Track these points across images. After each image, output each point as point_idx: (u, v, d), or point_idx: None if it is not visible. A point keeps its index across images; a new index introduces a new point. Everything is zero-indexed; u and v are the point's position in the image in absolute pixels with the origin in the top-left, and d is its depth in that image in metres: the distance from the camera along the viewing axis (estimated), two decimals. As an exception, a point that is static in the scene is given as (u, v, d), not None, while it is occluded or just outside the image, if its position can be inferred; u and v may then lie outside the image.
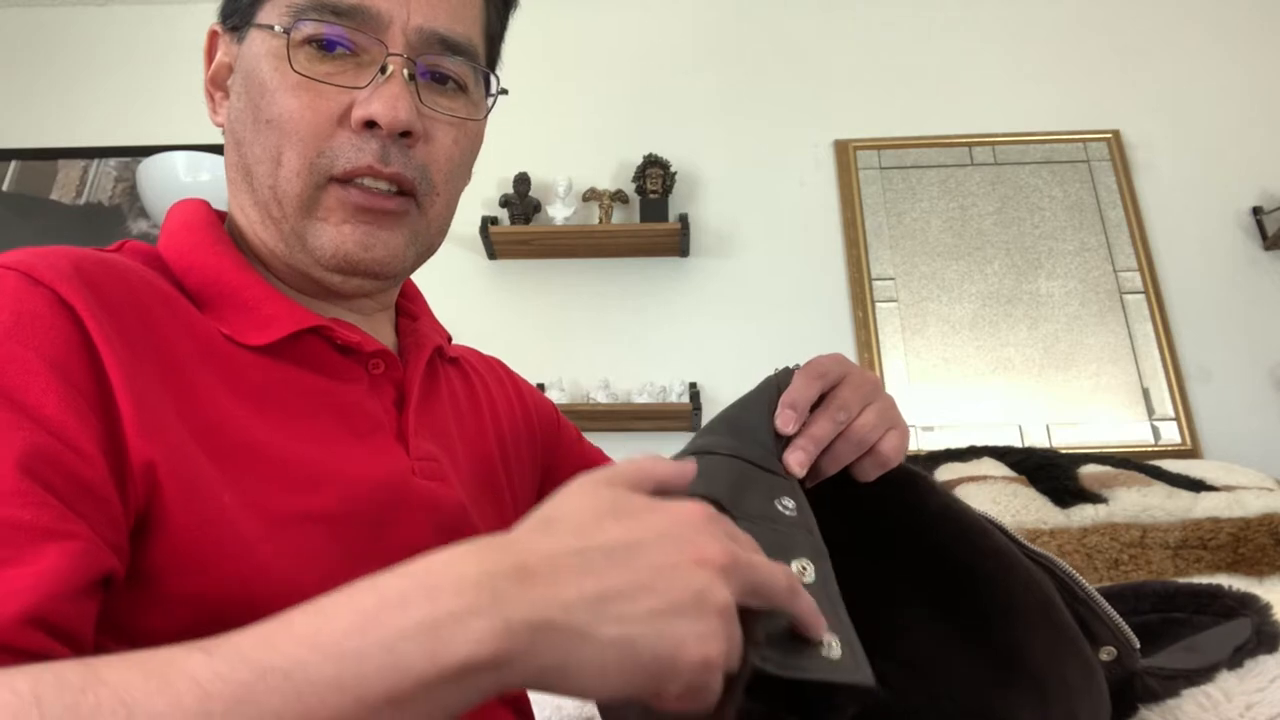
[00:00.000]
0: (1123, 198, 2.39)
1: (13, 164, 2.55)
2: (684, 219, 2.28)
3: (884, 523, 0.57)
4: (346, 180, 0.57)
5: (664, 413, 2.15)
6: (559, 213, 2.35)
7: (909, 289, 2.33)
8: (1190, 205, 2.38)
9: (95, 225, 2.47)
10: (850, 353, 2.26)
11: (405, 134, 0.57)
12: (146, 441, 0.44)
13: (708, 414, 2.17)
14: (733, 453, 0.49)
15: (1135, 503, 1.57)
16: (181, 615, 0.43)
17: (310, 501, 0.50)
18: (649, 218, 2.34)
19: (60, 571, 0.37)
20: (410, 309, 0.71)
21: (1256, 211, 2.34)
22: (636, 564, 0.34)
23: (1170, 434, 2.15)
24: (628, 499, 0.37)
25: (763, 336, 2.28)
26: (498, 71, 0.67)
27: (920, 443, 2.15)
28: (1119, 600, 0.60)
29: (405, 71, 0.57)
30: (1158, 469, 1.70)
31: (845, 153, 2.49)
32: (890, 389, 2.17)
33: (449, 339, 0.73)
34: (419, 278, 0.71)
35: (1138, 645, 0.55)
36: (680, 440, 2.17)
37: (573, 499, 0.37)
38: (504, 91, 0.67)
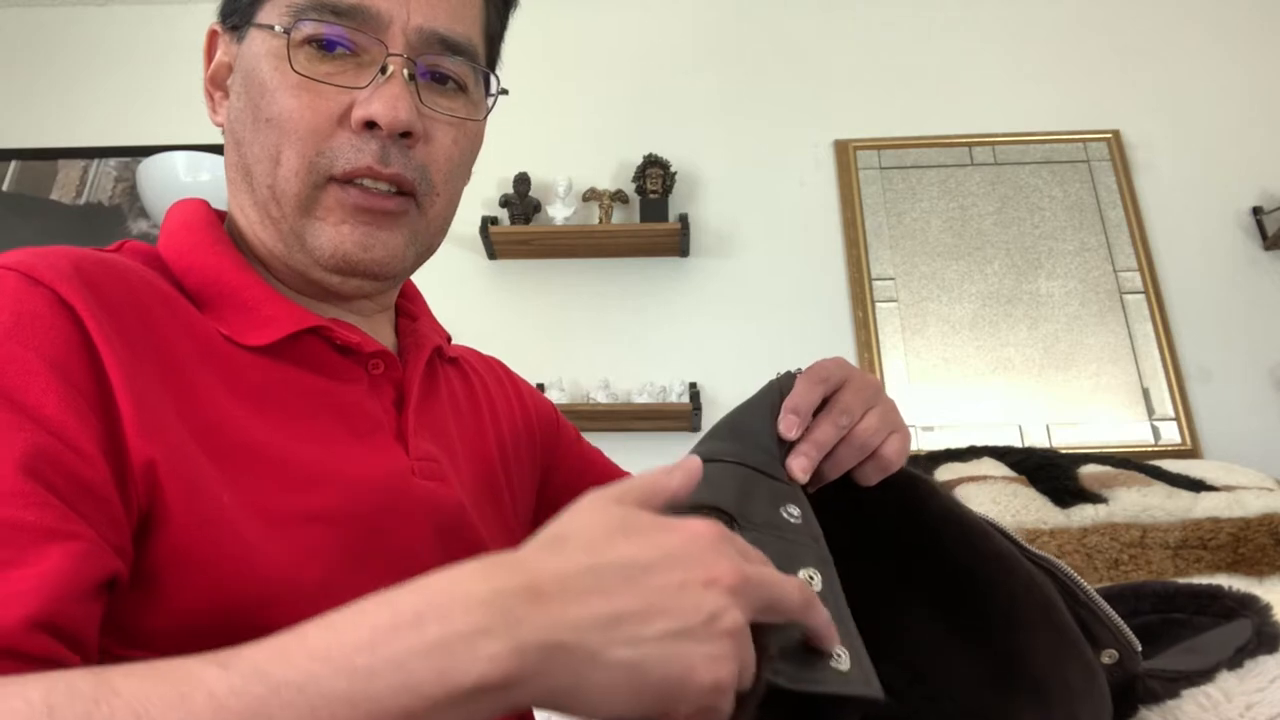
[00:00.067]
0: (1123, 198, 2.39)
1: (13, 164, 2.55)
2: (684, 219, 2.28)
3: (884, 525, 0.57)
4: (346, 180, 0.57)
5: (664, 413, 2.15)
6: (559, 213, 2.35)
7: (909, 289, 2.33)
8: (1190, 205, 2.38)
9: (95, 225, 2.47)
10: (850, 353, 2.26)
11: (405, 134, 0.57)
12: (147, 441, 0.44)
13: (708, 414, 2.17)
14: (737, 459, 0.49)
15: (1135, 503, 1.57)
16: (182, 615, 0.43)
17: (310, 501, 0.50)
18: (649, 218, 2.34)
19: (64, 573, 0.37)
20: (410, 309, 0.71)
21: (1256, 211, 2.34)
22: (647, 585, 0.34)
23: (1170, 434, 2.15)
24: (638, 517, 0.37)
25: (763, 336, 2.28)
26: (498, 71, 0.67)
27: (920, 443, 2.15)
28: (1119, 601, 0.60)
29: (405, 71, 0.57)
30: (1158, 469, 1.70)
31: (845, 153, 2.49)
32: (890, 389, 2.18)
33: (449, 339, 0.73)
34: (419, 278, 0.71)
35: (1139, 648, 0.55)
36: (680, 440, 2.18)
37: (583, 516, 0.37)
38: (504, 92, 0.67)
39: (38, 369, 0.42)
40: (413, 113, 0.57)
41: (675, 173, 2.39)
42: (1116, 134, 2.45)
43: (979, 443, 1.90)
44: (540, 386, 2.13)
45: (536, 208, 2.39)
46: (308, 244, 0.57)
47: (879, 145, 2.49)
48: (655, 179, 2.36)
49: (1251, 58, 2.53)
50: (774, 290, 2.35)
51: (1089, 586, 0.55)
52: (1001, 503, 1.59)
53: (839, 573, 0.43)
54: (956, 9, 2.63)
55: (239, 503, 0.47)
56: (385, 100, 0.55)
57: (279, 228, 0.58)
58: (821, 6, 2.66)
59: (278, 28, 0.57)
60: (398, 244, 0.59)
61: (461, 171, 0.64)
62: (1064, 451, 1.90)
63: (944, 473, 1.73)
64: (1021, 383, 2.22)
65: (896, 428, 0.56)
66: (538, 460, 0.77)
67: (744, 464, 0.49)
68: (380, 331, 0.65)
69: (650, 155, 2.38)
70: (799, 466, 0.51)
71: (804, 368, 0.58)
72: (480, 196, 2.41)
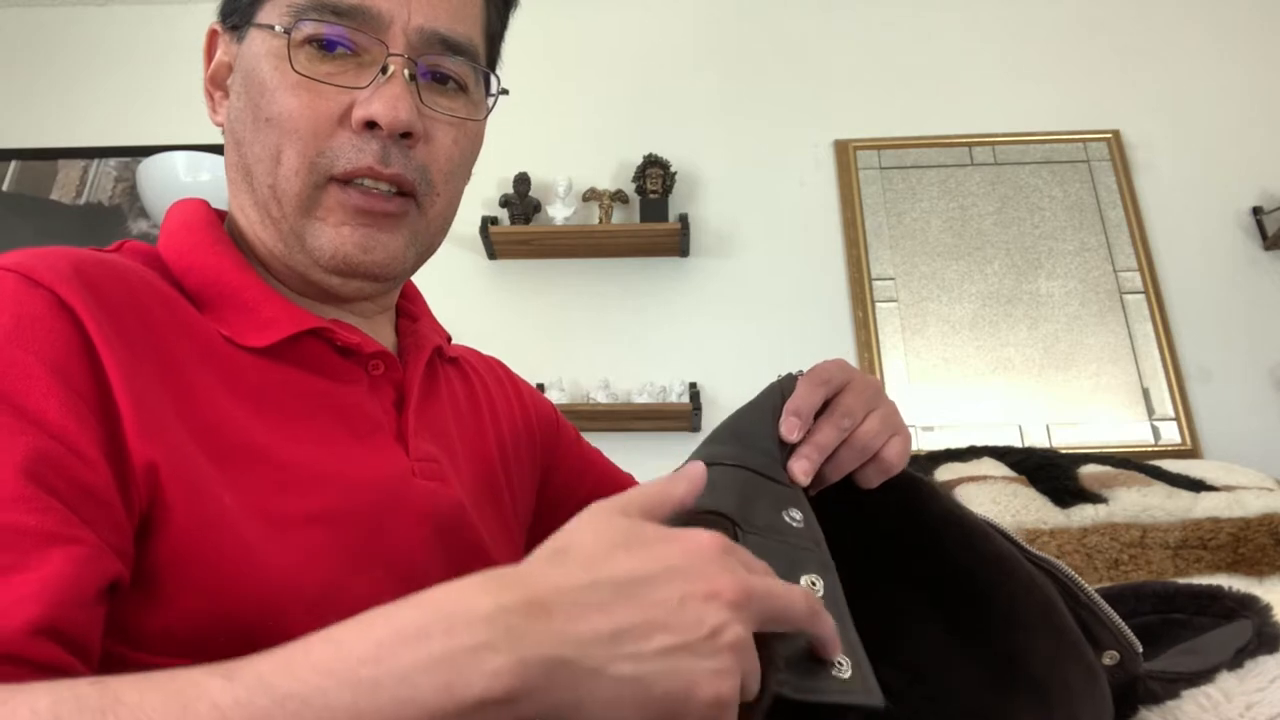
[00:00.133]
0: (1123, 198, 2.39)
1: (13, 164, 2.55)
2: (684, 219, 2.28)
3: (885, 527, 0.57)
4: (346, 180, 0.57)
5: (664, 413, 2.15)
6: (559, 213, 2.35)
7: (909, 289, 2.33)
8: (1190, 205, 2.38)
9: (95, 225, 2.47)
10: (850, 353, 2.26)
11: (406, 134, 0.57)
12: (147, 443, 0.44)
13: (708, 414, 2.17)
14: (738, 462, 0.49)
15: (1135, 503, 1.57)
16: (184, 617, 0.43)
17: (310, 502, 0.50)
18: (649, 218, 2.34)
19: (66, 577, 0.37)
20: (410, 309, 0.71)
21: (1256, 211, 2.34)
22: (649, 599, 0.34)
23: (1170, 434, 2.15)
24: (641, 529, 0.37)
25: (763, 336, 2.28)
26: (498, 71, 0.67)
27: (920, 443, 2.15)
28: (1119, 602, 0.60)
29: (406, 72, 0.57)
30: (1158, 469, 1.70)
31: (845, 153, 2.49)
32: (890, 389, 2.18)
33: (449, 339, 0.73)
34: (419, 278, 0.71)
35: (1140, 649, 0.55)
36: (680, 440, 2.18)
37: (586, 529, 0.37)
38: (504, 92, 0.66)
39: (38, 372, 0.42)
40: (413, 113, 0.57)
41: (675, 173, 2.39)
42: (1116, 134, 2.45)
43: (979, 443, 1.90)
44: (540, 386, 2.13)
45: (536, 208, 2.39)
46: (308, 244, 0.57)
47: (879, 145, 2.49)
48: (655, 179, 2.36)
49: (1251, 58, 2.53)
50: (774, 290, 2.35)
51: (1089, 587, 0.55)
52: (1001, 503, 1.59)
53: (841, 574, 0.43)
54: (956, 9, 2.63)
55: (239, 504, 0.47)
56: (386, 100, 0.55)
57: (279, 228, 0.58)
58: (821, 6, 2.66)
59: (278, 28, 0.57)
60: (398, 246, 0.59)
61: (462, 171, 0.64)
62: (1064, 451, 1.90)
63: (944, 473, 1.73)
64: (1021, 383, 2.22)
65: (898, 430, 0.56)
66: (538, 460, 0.77)
67: (745, 467, 0.49)
68: (381, 332, 0.65)
69: (650, 155, 2.38)
70: (801, 469, 0.51)
71: (805, 370, 0.58)
72: (480, 196, 2.41)
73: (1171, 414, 2.16)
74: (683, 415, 2.15)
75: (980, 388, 2.23)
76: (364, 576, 0.50)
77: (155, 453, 0.44)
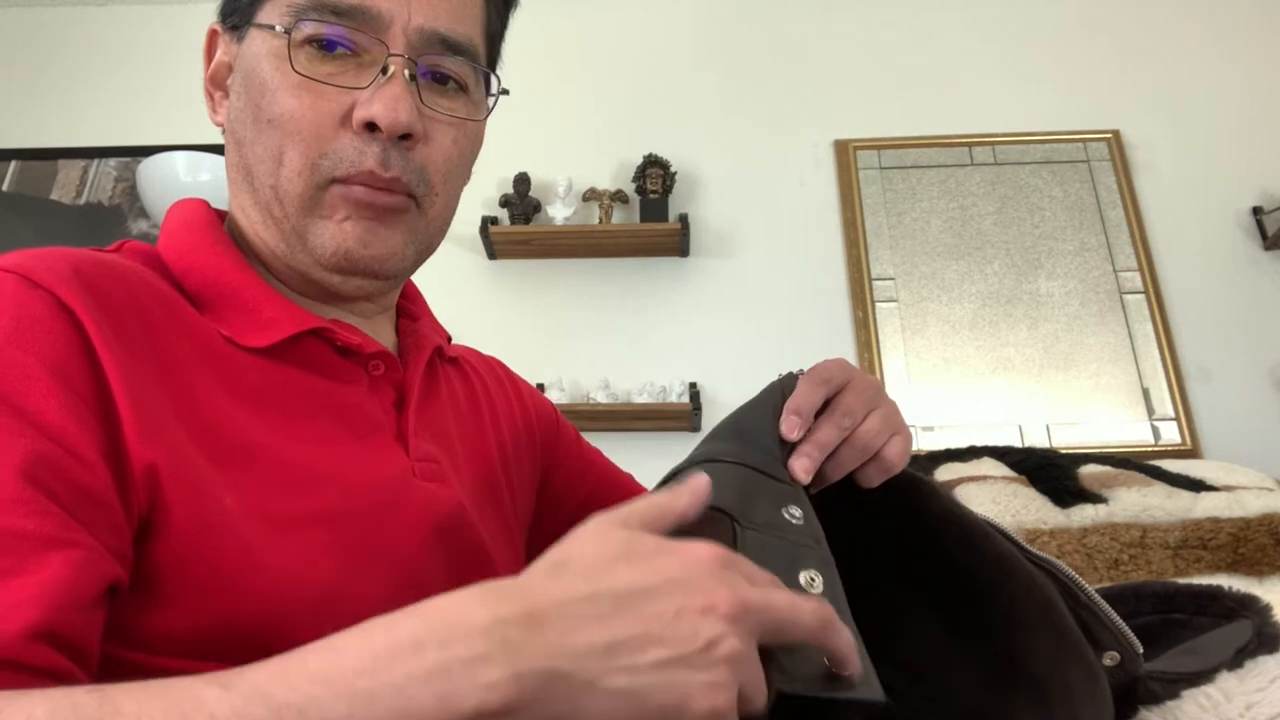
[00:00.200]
0: (1123, 198, 2.39)
1: (13, 164, 2.55)
2: (684, 219, 2.28)
3: (885, 526, 0.57)
4: (347, 182, 0.56)
5: (664, 413, 2.15)
6: (559, 213, 2.35)
7: (909, 289, 2.33)
8: (1190, 205, 2.38)
9: (95, 225, 2.47)
10: (850, 353, 2.26)
11: (405, 135, 0.57)
12: (147, 445, 0.44)
13: (708, 414, 2.17)
14: (738, 460, 0.49)
15: (1135, 503, 1.56)
16: (184, 618, 0.43)
17: (310, 503, 0.50)
18: (649, 218, 2.34)
19: (64, 581, 0.37)
20: (411, 309, 0.71)
21: (1256, 211, 2.34)
22: (645, 612, 0.34)
23: (1170, 434, 2.15)
24: (640, 541, 0.37)
25: (763, 336, 2.28)
26: (498, 71, 0.67)
27: (920, 443, 2.15)
28: (1119, 602, 0.59)
29: (406, 72, 0.57)
30: (1158, 469, 1.70)
31: (845, 153, 2.49)
32: (890, 389, 2.18)
33: (449, 339, 0.73)
34: (419, 278, 0.71)
35: (1140, 650, 0.55)
36: (680, 440, 2.18)
37: (586, 541, 0.37)
38: (505, 92, 0.66)
39: (38, 374, 0.42)
40: (413, 114, 0.56)
41: (675, 173, 2.39)
42: (1116, 134, 2.45)
43: (979, 443, 1.90)
44: (540, 386, 2.13)
45: (536, 208, 2.39)
46: (309, 243, 0.57)
47: (879, 145, 2.49)
48: (655, 179, 2.36)
49: (1251, 58, 2.53)
50: (774, 290, 2.35)
51: (1090, 588, 0.55)
52: (1001, 503, 1.59)
53: (841, 573, 0.43)
54: (956, 9, 2.63)
55: (240, 505, 0.47)
56: (386, 101, 0.55)
57: (281, 227, 0.58)
58: (821, 6, 2.66)
59: (278, 28, 0.57)
60: (397, 242, 0.59)
61: (461, 172, 0.64)
62: (1064, 451, 1.90)
63: (944, 473, 1.73)
64: (1021, 383, 2.22)
65: (898, 429, 0.56)
66: (538, 460, 0.77)
67: (745, 465, 0.49)
68: (381, 332, 0.65)
69: (650, 155, 2.38)
70: (801, 467, 0.51)
71: (806, 369, 0.58)
72: (480, 196, 2.41)
73: (1171, 414, 2.16)
74: (683, 415, 2.15)
75: (980, 388, 2.23)
76: (364, 577, 0.50)
77: (155, 454, 0.44)
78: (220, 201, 0.63)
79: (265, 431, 0.51)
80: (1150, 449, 2.12)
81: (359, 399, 0.58)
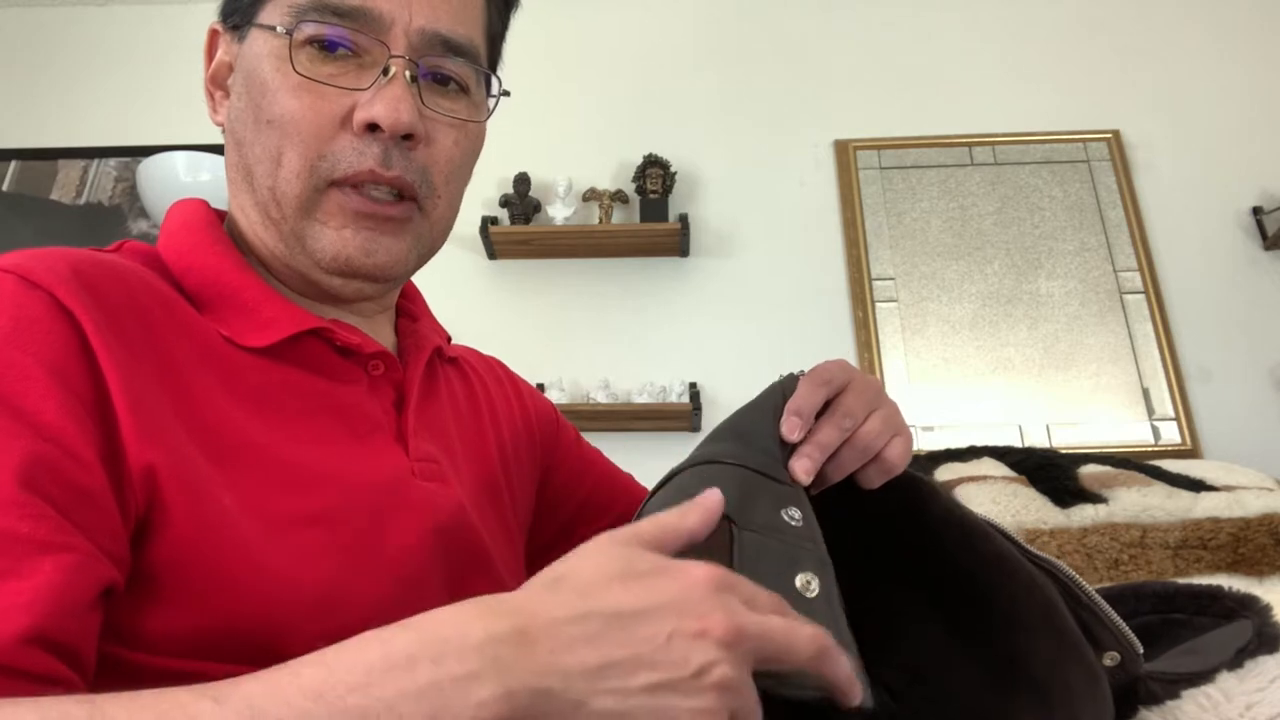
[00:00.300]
0: (1123, 198, 2.39)
1: (13, 164, 2.55)
2: (684, 219, 2.28)
3: (886, 527, 0.57)
4: (347, 184, 0.56)
5: (664, 413, 2.14)
6: (559, 213, 2.35)
7: (909, 289, 2.33)
8: (1190, 205, 2.38)
9: (95, 225, 2.47)
10: (850, 353, 2.26)
11: (407, 136, 0.57)
12: (146, 445, 0.44)
13: (708, 414, 2.17)
14: (738, 461, 0.49)
15: (1135, 503, 1.56)
16: (183, 618, 0.43)
17: (309, 503, 0.50)
18: (649, 218, 2.34)
19: (58, 586, 0.37)
20: (410, 309, 0.71)
21: (1256, 211, 2.34)
22: (637, 634, 0.34)
23: (1170, 434, 2.15)
24: (640, 560, 0.37)
25: (763, 336, 2.28)
26: (499, 72, 0.67)
27: (920, 443, 2.15)
28: (1119, 602, 0.59)
29: (407, 73, 0.57)
30: (1158, 469, 1.70)
31: (845, 153, 2.49)
32: (890, 389, 2.18)
33: (449, 339, 0.73)
34: (419, 278, 0.71)
35: (1141, 650, 0.55)
36: (680, 440, 2.18)
37: (586, 558, 0.37)
38: (506, 93, 0.66)
39: (36, 374, 0.42)
40: (414, 115, 0.56)
41: (675, 173, 2.39)
42: (1116, 134, 2.45)
43: (979, 443, 1.90)
44: (540, 386, 2.13)
45: (536, 208, 2.39)
46: (308, 246, 0.57)
47: (879, 145, 2.49)
48: (655, 179, 2.36)
49: (1251, 58, 2.53)
50: (774, 290, 2.35)
51: (1090, 588, 0.55)
52: (1001, 503, 1.59)
53: (841, 574, 0.43)
54: (956, 9, 2.63)
55: (239, 505, 0.46)
56: (387, 102, 0.55)
57: (280, 229, 0.58)
58: (821, 6, 2.66)
59: (279, 28, 0.56)
60: (400, 249, 0.59)
61: (463, 173, 0.63)
62: (1064, 451, 1.90)
63: (944, 473, 1.73)
64: (1021, 383, 2.22)
65: (899, 430, 0.55)
66: (537, 460, 0.77)
67: (745, 466, 0.49)
68: (380, 332, 0.65)
69: (650, 155, 2.38)
70: (802, 468, 0.51)
71: (806, 370, 0.58)
72: (480, 196, 2.41)
73: (1171, 414, 2.16)
74: (683, 415, 2.15)
75: (980, 388, 2.23)
76: (363, 577, 0.50)
77: (154, 454, 0.44)
78: (220, 201, 0.63)
79: (264, 431, 0.51)
80: (1150, 449, 2.12)
81: (358, 399, 0.58)
